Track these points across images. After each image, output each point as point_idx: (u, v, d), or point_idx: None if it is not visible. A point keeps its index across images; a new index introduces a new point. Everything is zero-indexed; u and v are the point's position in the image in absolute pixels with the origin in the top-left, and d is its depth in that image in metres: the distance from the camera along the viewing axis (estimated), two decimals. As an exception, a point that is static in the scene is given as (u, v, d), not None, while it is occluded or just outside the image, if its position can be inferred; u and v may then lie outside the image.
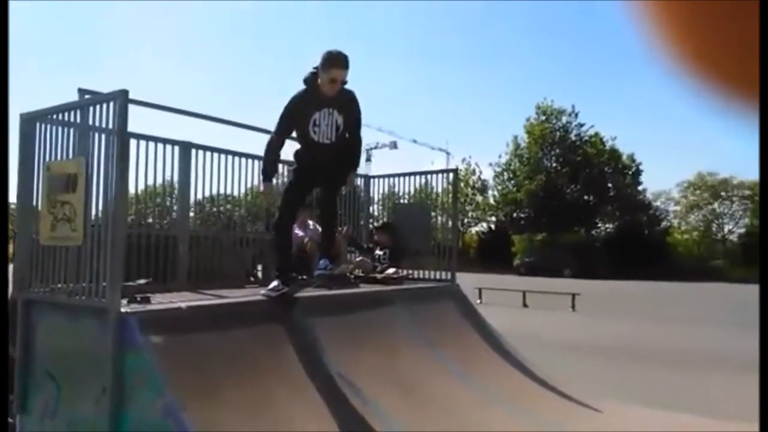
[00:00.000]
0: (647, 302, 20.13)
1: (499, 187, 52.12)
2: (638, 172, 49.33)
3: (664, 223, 50.32)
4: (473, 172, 52.95)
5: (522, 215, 50.07)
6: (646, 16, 0.46)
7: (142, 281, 4.26)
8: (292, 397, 3.46)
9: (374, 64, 77.57)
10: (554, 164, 49.73)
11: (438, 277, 7.41)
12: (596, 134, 49.21)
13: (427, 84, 74.08)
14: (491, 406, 4.36)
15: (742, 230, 49.09)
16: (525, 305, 17.14)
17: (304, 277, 5.76)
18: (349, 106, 4.23)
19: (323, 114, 4.12)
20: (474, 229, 53.88)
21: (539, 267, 38.82)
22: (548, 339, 10.37)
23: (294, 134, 4.40)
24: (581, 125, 49.48)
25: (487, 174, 58.95)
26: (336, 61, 3.98)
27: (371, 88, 71.22)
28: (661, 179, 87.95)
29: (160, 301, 3.73)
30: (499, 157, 52.82)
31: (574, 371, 7.29)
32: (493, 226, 51.95)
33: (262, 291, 4.27)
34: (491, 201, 52.91)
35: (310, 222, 6.35)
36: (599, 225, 50.47)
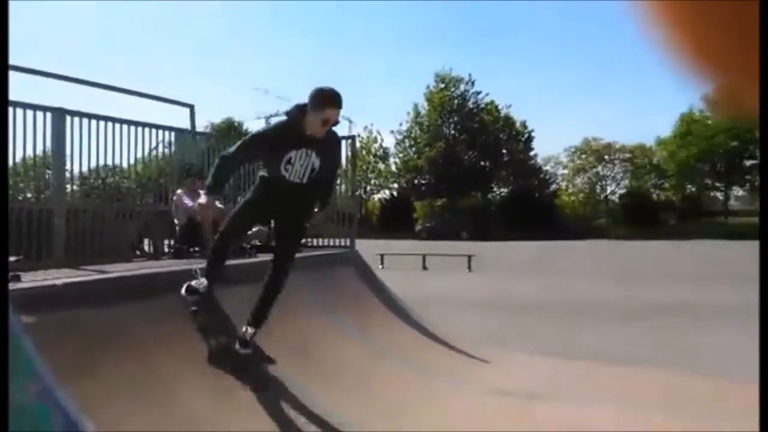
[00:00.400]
0: (537, 260, 21.42)
1: (401, 155, 52.93)
2: (530, 139, 51.89)
3: (553, 186, 53.47)
4: (375, 140, 53.31)
5: (423, 182, 51.25)
6: (647, 14, 0.46)
7: (12, 259, 3.96)
8: (183, 371, 3.39)
9: (272, 27, 75.39)
10: (453, 131, 51.10)
11: (338, 244, 7.46)
12: (492, 102, 51.01)
13: (328, 51, 73.00)
14: (383, 361, 4.51)
15: (623, 191, 53.22)
16: (425, 268, 17.72)
17: (197, 249, 5.61)
18: (329, 149, 3.82)
19: (300, 154, 3.64)
20: (376, 197, 54.56)
21: (439, 231, 40.06)
22: (445, 298, 10.78)
23: (261, 163, 3.88)
24: (478, 93, 51.05)
25: (389, 142, 59.52)
26: (331, 100, 3.59)
27: (271, 52, 69.21)
28: (551, 145, 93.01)
29: (33, 279, 3.49)
30: (401, 125, 53.46)
31: (467, 326, 7.64)
32: (395, 193, 52.84)
33: (182, 290, 3.81)
34: (393, 168, 53.67)
35: (202, 192, 6.13)
36: (495, 189, 52.77)
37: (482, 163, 50.87)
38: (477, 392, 4.39)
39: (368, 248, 14.09)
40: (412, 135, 52.09)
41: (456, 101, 50.83)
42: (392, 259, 18.13)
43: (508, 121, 51.49)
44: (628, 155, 52.66)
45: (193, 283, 3.81)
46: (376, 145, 53.56)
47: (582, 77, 73.75)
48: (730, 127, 45.20)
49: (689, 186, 50.57)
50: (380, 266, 17.16)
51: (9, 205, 4.59)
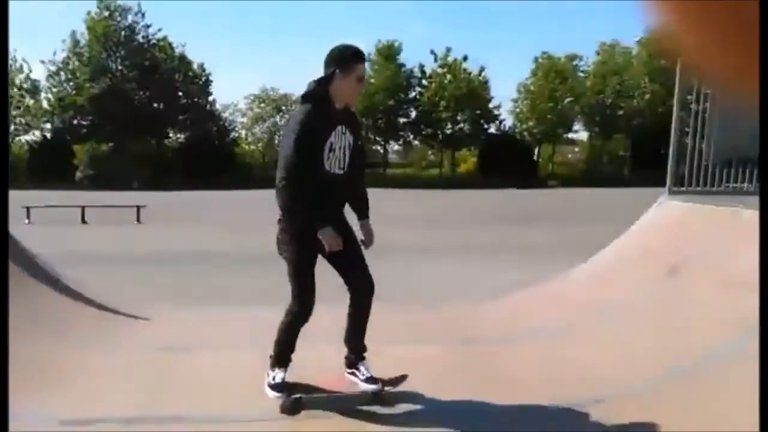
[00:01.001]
0: (213, 210, 21.13)
1: (55, 90, 45.68)
2: (208, 83, 50.18)
3: (233, 134, 53.23)
4: (20, 70, 44.82)
5: (84, 122, 45.39)
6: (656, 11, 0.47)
7: None
8: None
9: None
10: (120, 67, 46.24)
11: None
12: (165, 38, 47.58)
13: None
14: (20, 334, 3.75)
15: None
16: (84, 222, 15.91)
17: None
18: (354, 119, 3.35)
19: (337, 134, 3.15)
20: (24, 138, 46.36)
21: (106, 179, 36.53)
22: (107, 255, 9.85)
23: None
24: (148, 26, 46.93)
25: (39, 73, 50.98)
26: (359, 53, 3.19)
27: None
28: (230, 92, 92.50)
29: None
30: (54, 54, 45.95)
31: (129, 283, 7.07)
32: (48, 135, 45.67)
33: (268, 393, 3.17)
34: (45, 105, 46.07)
35: None
36: (171, 135, 49.98)
37: (156, 104, 47.36)
38: (133, 351, 4.14)
39: (12, 200, 11.83)
40: (70, 67, 45.30)
41: (123, 33, 45.83)
42: (43, 213, 15.72)
43: (184, 60, 48.80)
44: (301, 107, 55.54)
45: (271, 379, 3.22)
46: (22, 76, 45.07)
47: (258, 26, 74.48)
48: (387, 87, 51.42)
49: (354, 139, 56.10)
50: (26, 221, 14.82)
51: None
